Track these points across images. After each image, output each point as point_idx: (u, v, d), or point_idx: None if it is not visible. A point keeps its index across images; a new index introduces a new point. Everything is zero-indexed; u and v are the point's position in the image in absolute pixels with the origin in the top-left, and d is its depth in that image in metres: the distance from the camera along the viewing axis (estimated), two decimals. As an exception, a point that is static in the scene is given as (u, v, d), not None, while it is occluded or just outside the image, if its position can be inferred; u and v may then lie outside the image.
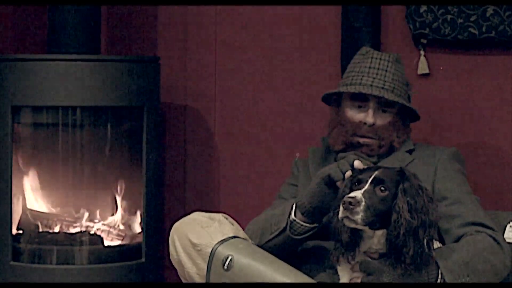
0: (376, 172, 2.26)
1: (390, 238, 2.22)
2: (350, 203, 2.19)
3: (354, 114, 2.68)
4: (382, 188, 2.23)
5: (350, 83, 2.70)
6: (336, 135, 2.71)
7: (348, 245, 2.27)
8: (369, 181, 2.24)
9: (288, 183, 2.84)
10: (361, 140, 2.68)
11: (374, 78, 2.67)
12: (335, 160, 2.68)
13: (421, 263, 2.23)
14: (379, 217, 2.22)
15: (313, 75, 3.32)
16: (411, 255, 2.21)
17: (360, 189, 2.23)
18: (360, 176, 2.27)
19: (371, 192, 2.23)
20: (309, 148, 2.84)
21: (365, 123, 2.66)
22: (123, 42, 3.71)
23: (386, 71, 2.68)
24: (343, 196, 2.24)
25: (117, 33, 3.72)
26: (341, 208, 2.21)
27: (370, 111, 2.66)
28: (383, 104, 2.67)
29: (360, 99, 2.68)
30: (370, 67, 2.70)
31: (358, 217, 2.19)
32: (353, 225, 2.22)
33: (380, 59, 2.70)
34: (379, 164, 2.63)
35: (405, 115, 2.74)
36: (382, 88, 2.66)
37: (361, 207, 2.20)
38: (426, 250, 2.23)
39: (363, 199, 2.20)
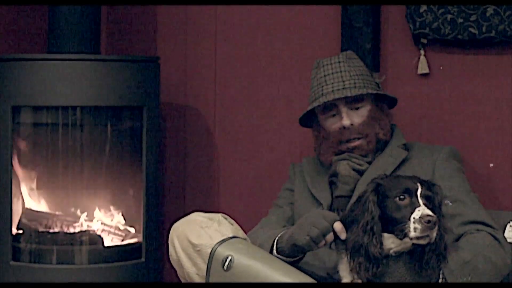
0: (424, 187, 2.22)
1: (432, 248, 2.21)
2: (435, 222, 2.16)
3: (332, 124, 2.72)
4: (430, 204, 2.22)
5: (313, 98, 2.74)
6: (325, 149, 2.76)
7: (378, 260, 2.22)
8: (419, 195, 2.21)
9: (284, 188, 2.88)
10: (350, 145, 2.71)
11: (332, 83, 2.71)
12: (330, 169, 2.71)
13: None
14: None
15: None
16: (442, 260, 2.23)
17: (417, 204, 2.19)
18: (407, 186, 2.23)
19: (428, 206, 2.20)
20: (304, 158, 2.87)
21: (344, 128, 2.69)
22: (123, 42, 3.71)
23: (340, 71, 2.72)
24: (398, 210, 2.20)
25: (117, 33, 3.72)
26: (419, 225, 2.16)
27: (344, 115, 2.69)
28: (352, 103, 2.70)
29: (330, 108, 2.72)
30: (325, 75, 2.73)
31: (434, 234, 2.18)
32: (426, 242, 2.19)
33: (331, 63, 2.74)
34: (374, 162, 2.66)
35: (382, 103, 2.77)
36: (343, 88, 2.68)
37: (436, 224, 2.18)
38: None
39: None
